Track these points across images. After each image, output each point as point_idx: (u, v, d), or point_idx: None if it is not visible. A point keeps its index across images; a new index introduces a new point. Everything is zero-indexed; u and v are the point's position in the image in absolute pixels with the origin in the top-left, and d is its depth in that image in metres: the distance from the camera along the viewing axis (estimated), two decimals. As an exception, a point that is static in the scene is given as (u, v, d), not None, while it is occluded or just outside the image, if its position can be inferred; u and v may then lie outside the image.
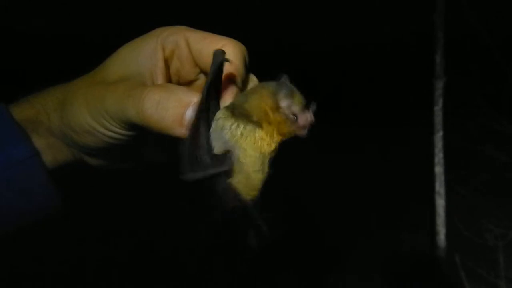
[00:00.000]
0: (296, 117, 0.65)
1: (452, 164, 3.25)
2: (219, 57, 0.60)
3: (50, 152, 0.64)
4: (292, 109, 0.65)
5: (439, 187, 3.12)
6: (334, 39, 3.98)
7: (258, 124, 0.63)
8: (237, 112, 0.62)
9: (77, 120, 0.61)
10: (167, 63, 0.65)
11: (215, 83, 0.61)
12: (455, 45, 3.30)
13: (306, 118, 0.65)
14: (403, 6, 3.65)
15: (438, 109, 3.09)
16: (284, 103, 0.64)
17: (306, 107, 0.66)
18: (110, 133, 0.62)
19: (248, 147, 0.63)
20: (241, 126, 0.62)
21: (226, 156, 0.62)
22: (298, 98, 0.66)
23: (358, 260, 3.65)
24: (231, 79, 0.63)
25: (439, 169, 3.13)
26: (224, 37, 0.64)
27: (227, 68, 0.62)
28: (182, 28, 0.66)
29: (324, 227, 3.80)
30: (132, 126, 0.61)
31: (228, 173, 0.63)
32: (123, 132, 0.62)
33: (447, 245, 3.19)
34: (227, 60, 0.60)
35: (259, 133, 0.63)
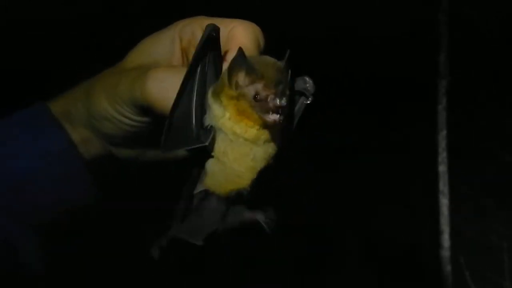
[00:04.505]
0: (258, 96, 0.52)
1: (455, 163, 3.24)
2: (207, 31, 0.56)
3: (82, 143, 0.65)
4: (256, 87, 0.52)
5: (443, 186, 3.11)
6: (334, 39, 3.98)
7: (225, 103, 0.55)
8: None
9: (97, 107, 0.62)
10: (185, 54, 0.66)
11: (203, 57, 0.57)
12: (456, 44, 3.30)
13: (272, 98, 0.51)
14: (406, 6, 3.65)
15: (441, 108, 3.10)
16: (239, 77, 0.53)
17: (278, 87, 0.52)
18: (124, 119, 0.62)
19: (224, 129, 0.56)
20: (216, 105, 0.56)
21: (206, 131, 0.56)
22: (270, 75, 0.52)
23: (359, 259, 3.64)
24: None
25: (443, 168, 3.12)
26: (235, 19, 0.63)
27: (233, 48, 0.59)
28: (199, 18, 0.66)
29: (325, 226, 3.79)
30: (143, 110, 0.61)
31: (206, 152, 0.57)
32: (136, 118, 0.62)
33: (451, 244, 3.19)
34: (214, 33, 0.56)
35: (227, 113, 0.55)
